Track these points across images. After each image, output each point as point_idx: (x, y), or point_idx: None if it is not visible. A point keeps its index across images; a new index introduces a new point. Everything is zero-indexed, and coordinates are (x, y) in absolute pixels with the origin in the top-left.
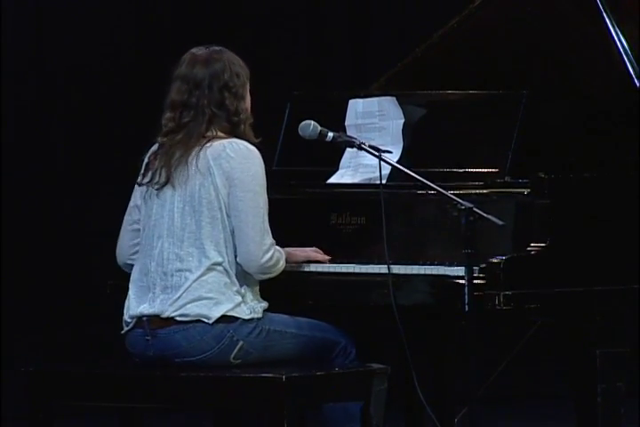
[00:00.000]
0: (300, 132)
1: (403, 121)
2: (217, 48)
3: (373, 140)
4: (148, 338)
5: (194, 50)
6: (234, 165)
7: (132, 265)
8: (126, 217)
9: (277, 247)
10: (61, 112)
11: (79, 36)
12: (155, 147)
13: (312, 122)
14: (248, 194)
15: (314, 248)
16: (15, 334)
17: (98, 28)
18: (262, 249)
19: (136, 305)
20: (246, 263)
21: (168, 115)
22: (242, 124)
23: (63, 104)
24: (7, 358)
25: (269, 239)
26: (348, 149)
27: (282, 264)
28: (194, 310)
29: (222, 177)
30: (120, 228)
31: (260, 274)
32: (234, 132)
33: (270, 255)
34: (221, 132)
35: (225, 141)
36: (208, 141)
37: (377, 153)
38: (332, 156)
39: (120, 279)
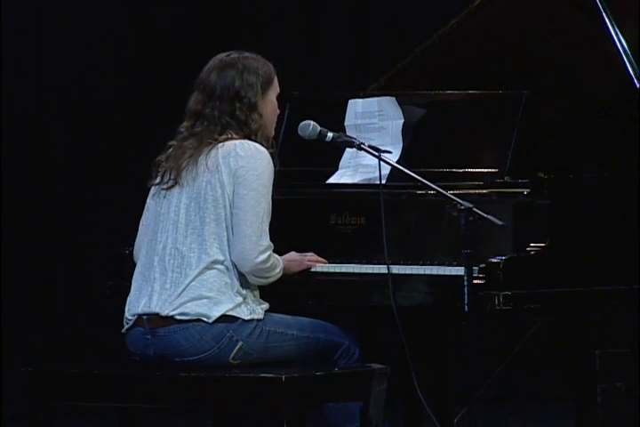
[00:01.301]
0: (300, 133)
1: (402, 121)
2: (236, 55)
3: (373, 141)
4: (148, 337)
5: (218, 55)
6: (241, 163)
7: None
8: (142, 217)
9: (276, 255)
10: (61, 115)
11: (79, 38)
12: (168, 150)
13: (312, 122)
14: (251, 192)
15: (311, 253)
16: (15, 334)
17: (98, 31)
18: (258, 249)
19: (136, 300)
20: (240, 262)
21: (185, 123)
22: (252, 134)
23: (63, 107)
24: (7, 358)
25: (266, 241)
26: (348, 150)
27: (278, 271)
28: (194, 309)
29: (229, 175)
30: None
31: (254, 276)
32: (247, 138)
33: (265, 257)
34: (237, 135)
35: (237, 142)
36: (221, 142)
37: (376, 153)
38: (331, 156)
39: (120, 279)
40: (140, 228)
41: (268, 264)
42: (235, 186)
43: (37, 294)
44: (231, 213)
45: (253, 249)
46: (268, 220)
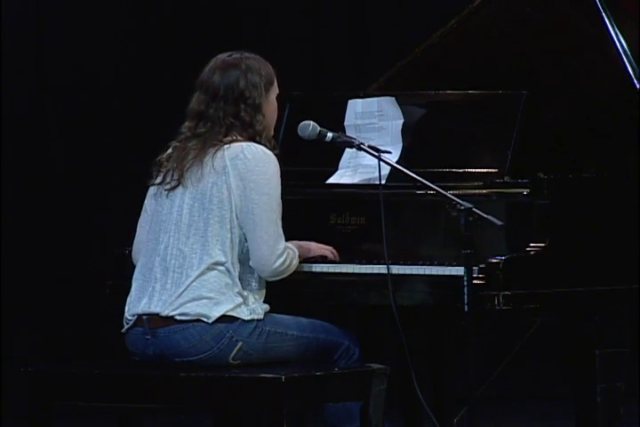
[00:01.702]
0: (300, 133)
1: (402, 121)
2: (238, 55)
3: (373, 141)
4: (148, 337)
5: (219, 55)
6: (250, 167)
7: None
8: (141, 217)
9: (289, 245)
10: (61, 114)
11: (78, 38)
12: (169, 150)
13: (311, 122)
14: (263, 197)
15: (330, 247)
16: (15, 334)
17: (98, 30)
18: (275, 254)
19: (137, 300)
20: (259, 267)
21: (187, 124)
22: (257, 135)
23: (63, 107)
24: (7, 358)
25: (283, 243)
26: (348, 150)
27: (295, 264)
28: (194, 309)
29: (237, 178)
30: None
31: (273, 278)
32: (252, 140)
33: (283, 260)
34: (241, 137)
35: (244, 144)
36: (227, 144)
37: (376, 153)
38: (331, 156)
39: (120, 279)
40: (138, 229)
41: (286, 265)
42: (245, 190)
43: (37, 294)
44: (236, 216)
45: (271, 254)
46: (281, 221)
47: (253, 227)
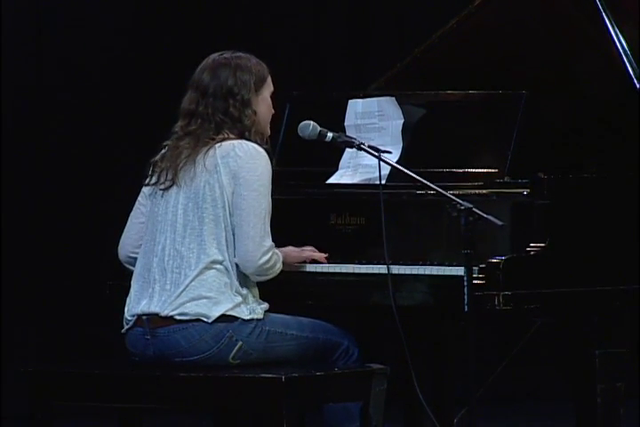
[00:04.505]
0: (300, 133)
1: (402, 121)
2: (229, 54)
3: (373, 141)
4: (148, 337)
5: (212, 55)
6: (241, 164)
7: (134, 259)
8: (133, 212)
9: (275, 250)
10: (60, 115)
11: (76, 38)
12: (163, 150)
13: (311, 122)
14: (252, 193)
15: (310, 247)
16: (15, 334)
17: (97, 30)
18: (261, 250)
19: (136, 301)
20: (244, 263)
21: (179, 123)
22: (246, 131)
23: (62, 108)
24: (7, 358)
25: (269, 241)
26: (348, 150)
27: (279, 267)
28: (193, 308)
29: (228, 175)
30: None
31: (257, 275)
32: (242, 136)
33: (268, 257)
34: (232, 134)
35: (235, 142)
36: (218, 142)
37: (376, 153)
38: (331, 156)
39: (120, 279)
40: (127, 224)
41: (271, 263)
42: (235, 187)
43: (37, 294)
44: (230, 214)
45: (257, 250)
46: (269, 219)
47: (240, 222)
